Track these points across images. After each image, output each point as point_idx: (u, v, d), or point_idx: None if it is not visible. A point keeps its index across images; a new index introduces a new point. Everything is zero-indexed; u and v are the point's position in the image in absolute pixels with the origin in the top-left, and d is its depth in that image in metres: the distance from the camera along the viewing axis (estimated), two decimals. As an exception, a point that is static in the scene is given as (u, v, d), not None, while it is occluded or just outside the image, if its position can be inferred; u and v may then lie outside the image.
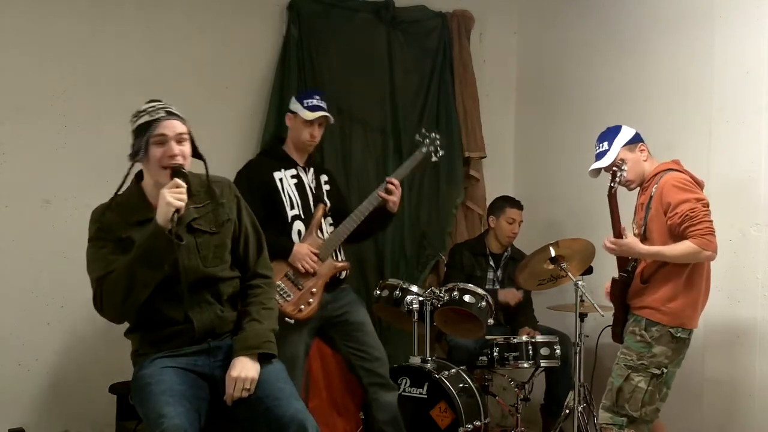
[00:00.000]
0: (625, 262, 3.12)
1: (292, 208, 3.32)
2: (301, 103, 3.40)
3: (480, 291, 3.71)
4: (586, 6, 4.46)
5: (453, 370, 3.68)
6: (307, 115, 3.36)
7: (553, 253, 3.42)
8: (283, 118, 3.55)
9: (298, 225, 3.32)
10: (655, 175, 3.08)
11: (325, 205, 3.39)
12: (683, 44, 3.75)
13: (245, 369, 2.32)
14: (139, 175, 2.45)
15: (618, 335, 3.19)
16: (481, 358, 3.89)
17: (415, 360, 3.70)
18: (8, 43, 3.65)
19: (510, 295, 4.15)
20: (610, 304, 3.23)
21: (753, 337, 3.41)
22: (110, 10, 3.88)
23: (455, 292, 3.71)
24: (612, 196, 3.01)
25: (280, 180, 3.33)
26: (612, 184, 3.01)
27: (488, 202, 4.57)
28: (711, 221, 2.91)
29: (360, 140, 4.46)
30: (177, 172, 2.29)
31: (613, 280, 3.16)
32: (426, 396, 3.57)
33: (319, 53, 4.35)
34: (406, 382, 3.61)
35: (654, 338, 2.98)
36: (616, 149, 3.14)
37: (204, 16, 4.12)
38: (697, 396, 3.61)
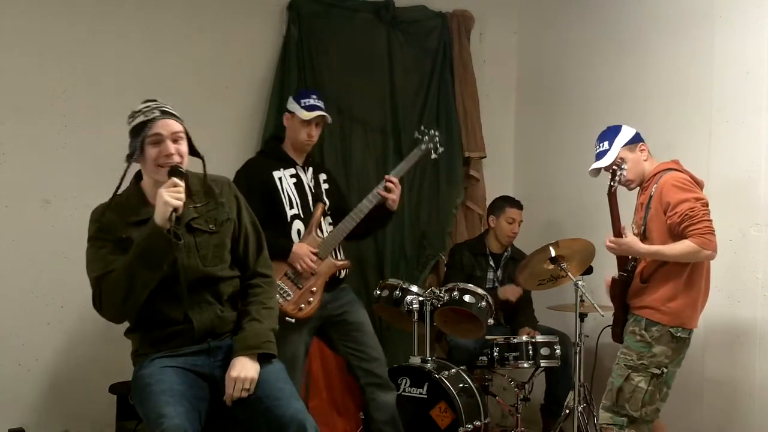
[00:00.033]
0: (625, 261, 3.12)
1: (292, 207, 3.32)
2: (299, 103, 3.40)
3: (480, 291, 3.71)
4: (586, 6, 4.46)
5: (453, 370, 3.68)
6: (305, 114, 3.36)
7: (553, 253, 3.42)
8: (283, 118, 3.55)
9: (298, 224, 3.31)
10: (655, 174, 3.08)
11: (324, 204, 3.39)
12: (683, 44, 3.75)
13: (245, 369, 2.32)
14: (139, 175, 2.45)
15: (618, 335, 3.19)
16: (481, 358, 3.89)
17: (415, 360, 3.70)
18: (8, 43, 3.65)
19: (510, 291, 4.15)
20: (610, 304, 3.23)
21: (753, 337, 3.41)
22: (110, 10, 3.88)
23: (455, 292, 3.71)
24: (612, 196, 3.01)
25: (280, 179, 3.33)
26: (612, 183, 3.01)
27: (488, 202, 4.57)
28: (710, 220, 2.91)
29: (360, 140, 4.46)
30: (174, 171, 2.29)
31: (613, 279, 3.16)
32: (426, 396, 3.57)
33: (319, 53, 4.35)
34: (406, 382, 3.61)
35: (654, 338, 2.98)
36: (616, 149, 3.14)
37: (204, 16, 4.12)
38: (697, 396, 3.61)
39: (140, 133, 2.31)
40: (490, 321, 3.72)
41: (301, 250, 3.22)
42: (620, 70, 4.15)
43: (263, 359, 2.39)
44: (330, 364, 4.02)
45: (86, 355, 3.79)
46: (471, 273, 4.19)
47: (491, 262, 4.29)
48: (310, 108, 3.37)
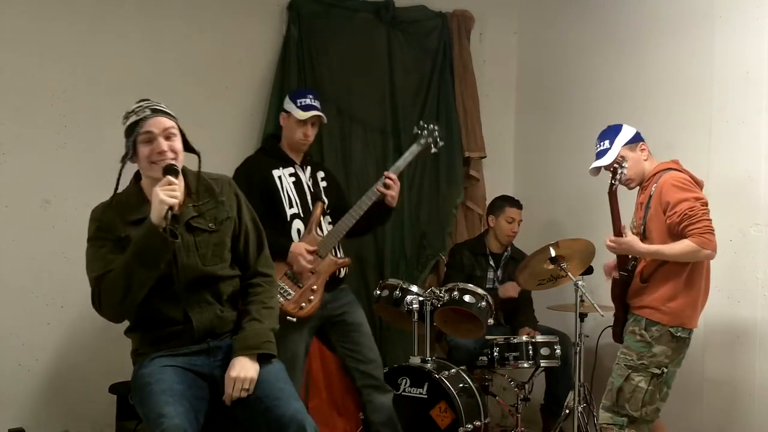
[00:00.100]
0: (625, 261, 3.12)
1: (291, 206, 3.31)
2: (295, 103, 3.40)
3: (480, 291, 3.71)
4: (586, 6, 4.46)
5: (453, 370, 3.68)
6: (300, 114, 3.36)
7: (553, 253, 3.41)
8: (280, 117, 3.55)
9: (297, 224, 3.31)
10: (655, 174, 3.08)
11: (323, 203, 3.39)
12: (683, 44, 3.75)
13: (244, 369, 2.32)
14: (139, 174, 2.45)
15: (618, 335, 3.19)
16: (481, 358, 3.89)
17: (415, 360, 3.69)
18: (8, 43, 3.65)
19: (510, 289, 4.14)
20: (611, 304, 3.23)
21: (753, 337, 3.41)
22: (110, 10, 3.88)
23: (455, 292, 3.71)
24: (612, 195, 3.01)
25: (279, 178, 3.33)
26: (613, 182, 3.01)
27: (488, 202, 4.57)
28: (710, 220, 2.91)
29: (360, 140, 4.47)
30: (169, 169, 2.29)
31: (613, 279, 3.16)
32: (426, 396, 3.57)
33: (319, 53, 4.35)
34: (406, 382, 3.61)
35: (654, 338, 2.98)
36: (617, 148, 3.14)
37: (204, 16, 4.12)
38: (697, 396, 3.61)
39: (132, 133, 2.32)
40: (490, 321, 3.72)
41: (298, 249, 3.21)
42: (620, 70, 4.15)
43: (263, 359, 2.39)
44: (330, 364, 4.02)
45: (86, 355, 3.79)
46: (471, 273, 4.19)
47: (491, 262, 4.29)
48: (306, 108, 3.37)
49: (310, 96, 3.43)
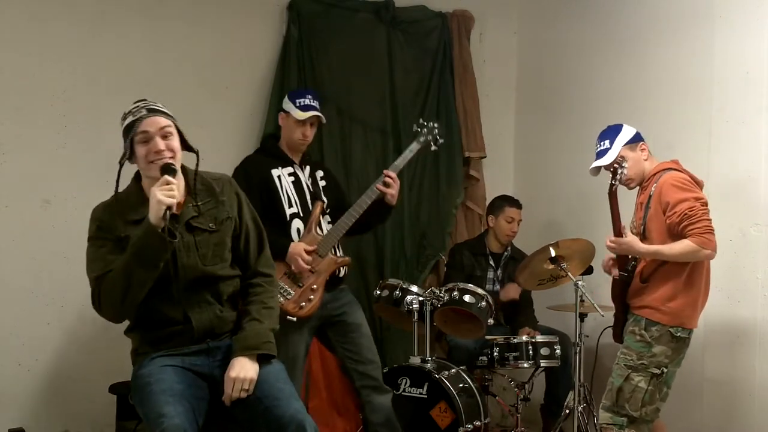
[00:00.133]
0: (625, 261, 3.12)
1: (291, 206, 3.31)
2: (294, 103, 3.39)
3: (480, 291, 3.71)
4: (586, 6, 4.46)
5: (453, 370, 3.68)
6: (299, 114, 3.35)
7: (553, 253, 3.41)
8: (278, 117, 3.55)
9: (297, 223, 3.31)
10: (655, 174, 3.08)
11: (323, 202, 3.39)
12: (683, 44, 3.75)
13: (244, 370, 2.31)
14: (139, 174, 2.45)
15: (618, 335, 3.19)
16: (481, 358, 3.89)
17: (415, 360, 3.69)
18: (8, 43, 3.65)
19: (511, 291, 4.15)
20: (611, 304, 3.23)
21: (753, 337, 3.41)
22: (110, 10, 3.88)
23: (455, 292, 3.71)
24: (612, 195, 3.01)
25: (278, 178, 3.32)
26: (612, 182, 3.01)
27: (488, 202, 4.57)
28: (710, 220, 2.91)
29: (360, 140, 4.47)
30: (166, 168, 2.28)
31: (614, 278, 3.16)
32: (426, 396, 3.57)
33: (319, 53, 4.35)
34: (406, 382, 3.61)
35: (654, 338, 2.98)
36: (617, 148, 3.14)
37: (204, 17, 4.12)
38: (697, 396, 3.61)
39: (129, 133, 2.32)
40: (490, 321, 3.72)
41: (296, 249, 3.21)
42: (620, 70, 4.16)
43: (263, 359, 2.39)
44: (330, 364, 4.02)
45: (86, 355, 3.79)
46: (471, 273, 4.19)
47: (491, 262, 4.29)
48: (305, 108, 3.37)
49: (309, 96, 3.43)
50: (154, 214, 2.21)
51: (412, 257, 4.55)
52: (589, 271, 3.66)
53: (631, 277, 3.10)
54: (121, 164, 2.36)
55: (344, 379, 3.88)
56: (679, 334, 2.97)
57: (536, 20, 4.91)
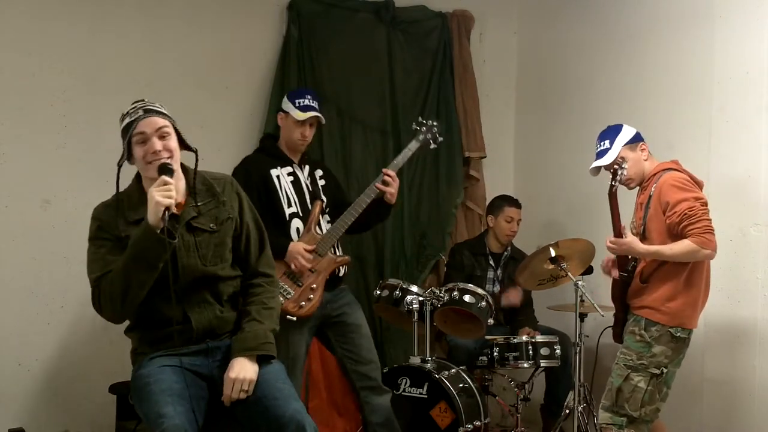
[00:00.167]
0: (625, 261, 3.12)
1: (290, 205, 3.31)
2: (293, 103, 3.39)
3: (480, 291, 3.71)
4: (586, 6, 4.46)
5: (453, 370, 3.68)
6: (299, 115, 3.35)
7: (553, 253, 3.41)
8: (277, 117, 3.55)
9: (296, 223, 3.31)
10: (654, 174, 3.08)
11: (322, 201, 3.39)
12: (683, 44, 3.75)
13: (243, 370, 2.31)
14: (140, 174, 2.45)
15: (618, 335, 3.19)
16: (481, 358, 3.89)
17: (415, 360, 3.69)
18: (8, 43, 3.65)
19: (513, 297, 4.15)
20: (611, 304, 3.23)
21: (753, 337, 3.41)
22: (110, 10, 3.88)
23: (455, 292, 3.70)
24: (612, 195, 3.01)
25: (278, 177, 3.33)
26: (612, 183, 3.01)
27: (488, 202, 4.57)
28: (710, 220, 2.91)
29: (360, 140, 4.46)
30: (163, 168, 2.28)
31: (614, 278, 3.16)
32: (426, 396, 3.57)
33: (319, 53, 4.35)
34: (406, 382, 3.61)
35: (653, 338, 2.98)
36: (617, 148, 3.14)
37: (204, 16, 4.12)
38: (697, 396, 3.61)
39: (127, 134, 2.33)
40: (490, 321, 3.72)
41: (296, 249, 3.21)
42: (620, 70, 4.15)
43: (262, 360, 2.38)
44: (330, 365, 4.02)
45: (86, 355, 3.79)
46: (471, 273, 4.19)
47: (491, 262, 4.29)
48: (305, 108, 3.36)
49: (309, 96, 3.43)
50: (153, 215, 2.21)
51: (412, 257, 4.55)
52: (589, 271, 3.66)
53: (631, 278, 3.10)
54: (120, 165, 2.37)
55: (344, 380, 3.87)
56: (678, 334, 2.97)
57: (536, 20, 4.91)
